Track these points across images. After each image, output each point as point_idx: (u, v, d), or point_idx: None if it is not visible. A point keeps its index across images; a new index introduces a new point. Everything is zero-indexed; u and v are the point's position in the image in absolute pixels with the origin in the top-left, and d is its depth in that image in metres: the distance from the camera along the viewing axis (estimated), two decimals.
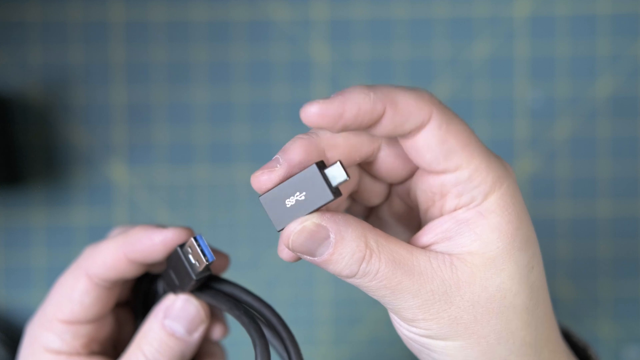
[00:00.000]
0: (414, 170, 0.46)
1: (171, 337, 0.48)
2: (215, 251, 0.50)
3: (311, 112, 0.41)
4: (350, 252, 0.42)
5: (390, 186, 0.48)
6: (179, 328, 0.48)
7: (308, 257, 0.42)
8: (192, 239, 0.46)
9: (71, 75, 0.79)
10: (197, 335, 0.49)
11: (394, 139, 0.45)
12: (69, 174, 0.79)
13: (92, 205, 0.79)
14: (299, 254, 0.43)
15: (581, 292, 0.79)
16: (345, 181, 0.42)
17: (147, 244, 0.47)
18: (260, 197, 0.42)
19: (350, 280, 0.43)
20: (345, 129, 0.42)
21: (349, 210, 0.49)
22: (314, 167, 0.41)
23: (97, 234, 0.79)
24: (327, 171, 0.42)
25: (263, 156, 0.79)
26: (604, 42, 0.79)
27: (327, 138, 0.43)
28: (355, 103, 0.41)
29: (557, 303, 0.79)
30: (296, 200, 0.42)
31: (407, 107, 0.42)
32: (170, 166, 0.79)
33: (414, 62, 0.79)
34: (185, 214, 0.79)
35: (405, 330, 0.44)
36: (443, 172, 0.43)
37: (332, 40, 0.79)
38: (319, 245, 0.42)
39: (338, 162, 0.42)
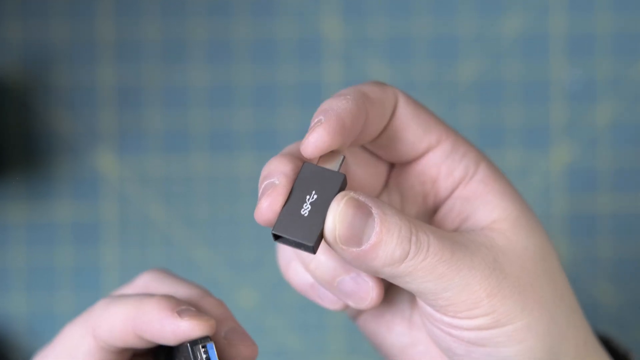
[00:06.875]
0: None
1: None
2: (241, 341, 0.49)
3: (313, 141, 0.42)
4: (397, 226, 0.41)
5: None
6: None
7: (354, 249, 0.42)
8: (200, 347, 0.46)
9: (54, 54, 0.80)
10: None
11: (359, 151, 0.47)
12: (52, 164, 0.80)
13: (77, 199, 0.80)
14: (344, 247, 0.42)
15: (626, 295, 0.80)
16: (343, 160, 0.43)
17: (157, 328, 0.46)
18: (273, 231, 0.42)
19: (401, 268, 0.42)
20: (349, 140, 0.43)
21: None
22: (306, 163, 0.43)
23: (83, 231, 0.79)
24: (321, 161, 0.43)
25: (268, 144, 0.80)
26: None
27: (298, 149, 0.45)
28: (347, 110, 0.42)
29: (598, 308, 0.80)
30: (311, 203, 0.42)
31: (376, 95, 0.44)
32: (164, 156, 0.80)
33: (437, 38, 0.80)
34: (182, 209, 0.80)
35: (465, 332, 0.44)
36: (426, 150, 0.45)
37: (345, 15, 0.80)
38: (365, 225, 0.41)
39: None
